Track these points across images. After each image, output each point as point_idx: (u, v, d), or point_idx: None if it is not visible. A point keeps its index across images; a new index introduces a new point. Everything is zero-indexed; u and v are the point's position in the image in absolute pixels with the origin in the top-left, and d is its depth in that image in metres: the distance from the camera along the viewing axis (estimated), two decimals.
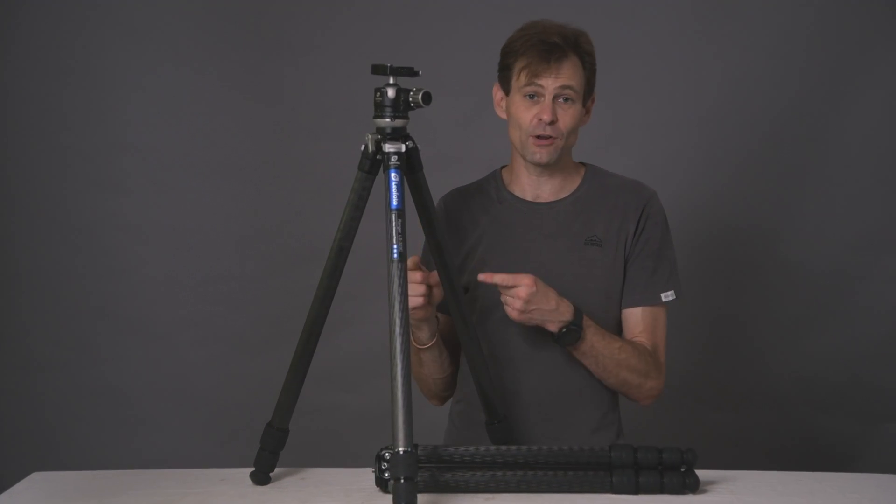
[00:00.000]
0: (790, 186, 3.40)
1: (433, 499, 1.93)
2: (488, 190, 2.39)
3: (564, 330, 2.17)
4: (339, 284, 2.00)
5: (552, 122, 2.22)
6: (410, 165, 1.96)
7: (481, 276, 2.14)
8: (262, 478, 2.05)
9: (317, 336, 2.01)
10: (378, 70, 1.91)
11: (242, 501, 1.96)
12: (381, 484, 1.96)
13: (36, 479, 2.12)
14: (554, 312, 2.16)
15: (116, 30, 3.46)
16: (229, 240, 3.53)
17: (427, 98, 1.91)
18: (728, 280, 3.45)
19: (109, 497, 1.99)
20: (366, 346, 3.41)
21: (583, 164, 2.40)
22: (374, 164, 1.95)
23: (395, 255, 1.86)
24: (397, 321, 1.84)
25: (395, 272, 1.86)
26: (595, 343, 2.21)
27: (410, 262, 2.11)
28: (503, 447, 1.98)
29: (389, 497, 1.86)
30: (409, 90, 1.91)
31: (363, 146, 1.95)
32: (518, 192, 2.35)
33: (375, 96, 1.92)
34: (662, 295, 2.30)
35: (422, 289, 2.13)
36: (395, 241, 1.87)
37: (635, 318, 2.30)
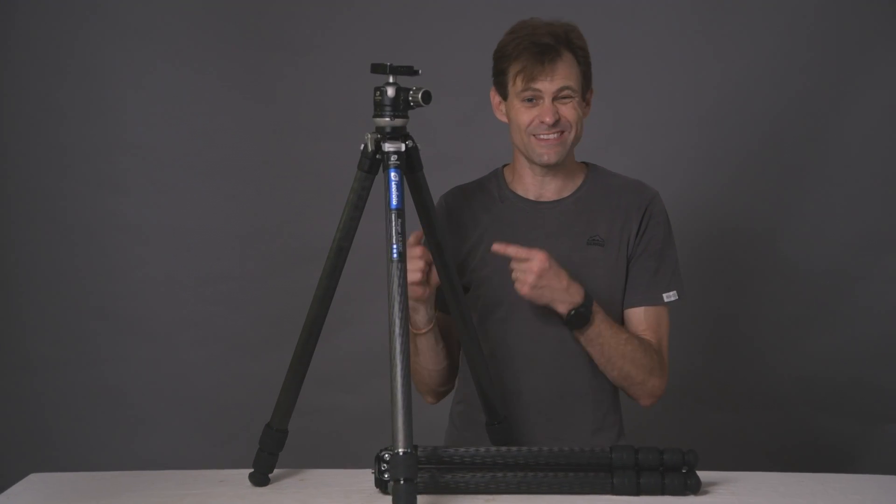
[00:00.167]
0: (790, 186, 3.39)
1: (433, 500, 1.92)
2: (490, 188, 2.38)
3: (573, 312, 2.16)
4: (339, 284, 2.00)
5: (555, 123, 2.21)
6: (410, 165, 1.95)
7: (495, 246, 2.14)
8: (261, 479, 2.04)
9: (316, 336, 2.01)
10: (378, 69, 1.91)
11: (241, 503, 1.95)
12: (381, 485, 1.95)
13: (34, 480, 2.11)
14: (564, 292, 2.15)
15: (115, 29, 3.46)
16: (229, 240, 3.53)
17: (427, 97, 1.90)
18: (728, 280, 3.45)
19: (108, 498, 1.99)
20: (365, 347, 3.41)
21: (585, 163, 2.39)
22: (373, 163, 1.95)
23: (395, 255, 1.86)
24: (397, 321, 1.83)
25: (395, 272, 1.85)
26: (603, 330, 2.20)
27: (412, 237, 2.10)
28: (503, 448, 1.98)
29: (389, 498, 1.86)
30: (409, 89, 1.91)
31: (363, 145, 1.95)
32: (521, 191, 2.34)
33: (375, 95, 1.92)
34: (665, 295, 2.29)
35: (420, 264, 2.12)
36: (394, 241, 1.86)
37: (638, 318, 2.29)
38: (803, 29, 3.34)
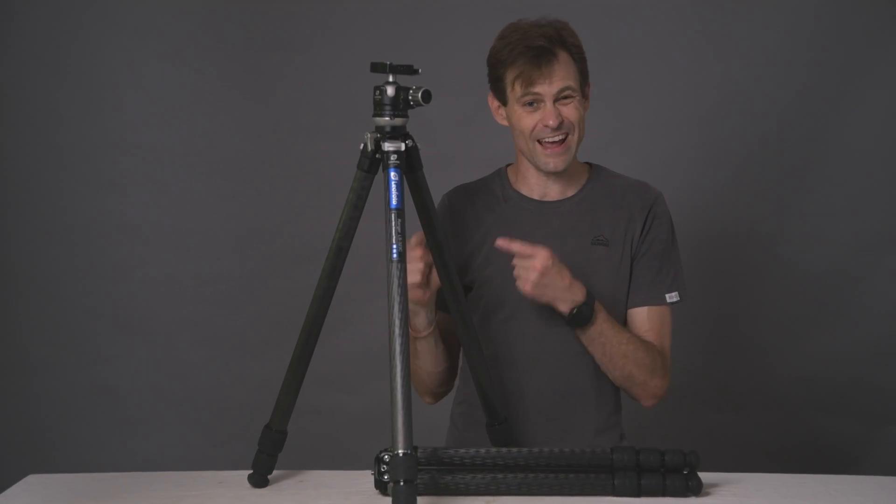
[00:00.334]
0: (791, 186, 3.39)
1: (433, 501, 1.92)
2: (493, 188, 2.37)
3: (575, 311, 2.15)
4: (339, 285, 1.99)
5: (559, 125, 2.20)
6: (410, 164, 1.94)
7: (499, 241, 2.13)
8: (260, 480, 2.04)
9: (315, 337, 2.00)
10: (377, 68, 1.90)
11: None
12: (381, 486, 1.94)
13: (32, 481, 2.11)
14: (566, 291, 2.14)
15: (114, 29, 3.45)
16: (228, 240, 3.52)
17: (427, 96, 1.89)
18: (729, 280, 3.44)
19: (106, 499, 1.98)
20: (365, 347, 3.40)
21: (588, 163, 2.39)
22: (373, 162, 1.94)
23: (395, 255, 1.85)
24: (397, 322, 1.82)
25: (395, 272, 1.84)
26: (605, 329, 2.20)
27: (414, 238, 2.09)
28: (504, 449, 1.97)
29: (389, 500, 1.85)
30: (409, 88, 1.90)
31: (362, 145, 1.94)
32: (525, 191, 2.34)
33: (375, 94, 1.91)
34: (667, 295, 2.29)
35: (420, 265, 2.11)
36: (394, 241, 1.85)
37: (641, 318, 2.29)
38: (804, 29, 3.33)
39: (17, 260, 3.52)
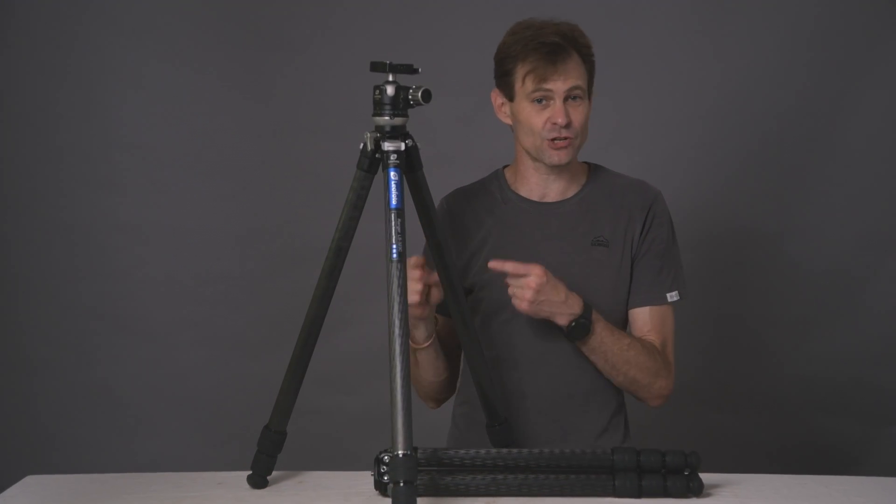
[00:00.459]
0: (792, 186, 3.38)
1: (433, 502, 1.91)
2: (492, 190, 2.36)
3: (574, 324, 2.15)
4: (338, 285, 1.99)
5: (567, 125, 2.20)
6: (410, 164, 1.94)
7: (492, 263, 2.13)
8: (259, 481, 2.03)
9: (315, 337, 2.00)
10: (377, 67, 1.89)
11: None
12: (381, 487, 1.94)
13: (30, 482, 2.10)
14: (563, 305, 2.14)
15: (113, 28, 3.45)
16: (227, 240, 3.52)
17: (427, 96, 1.89)
18: (730, 280, 3.44)
19: (105, 500, 1.98)
20: (365, 348, 3.39)
21: (587, 163, 2.38)
22: (373, 162, 1.93)
23: (395, 255, 1.84)
24: (396, 322, 1.82)
25: (395, 272, 1.84)
26: (604, 338, 2.19)
27: (412, 260, 2.09)
28: (504, 450, 1.97)
29: (388, 501, 1.85)
30: (409, 88, 1.89)
31: (362, 144, 1.93)
32: (524, 193, 2.33)
33: (374, 94, 1.91)
34: (668, 295, 2.29)
35: (419, 286, 2.11)
36: (394, 241, 1.85)
37: (643, 318, 2.28)
38: (805, 28, 3.33)
39: (17, 260, 3.52)
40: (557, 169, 2.28)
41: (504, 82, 2.25)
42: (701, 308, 3.28)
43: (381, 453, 1.90)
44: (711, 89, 3.39)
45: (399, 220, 1.85)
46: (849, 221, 3.37)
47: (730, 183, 3.40)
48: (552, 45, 2.17)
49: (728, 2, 3.37)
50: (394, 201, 1.86)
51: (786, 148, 3.37)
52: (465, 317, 2.10)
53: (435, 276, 2.11)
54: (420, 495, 1.85)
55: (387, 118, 1.90)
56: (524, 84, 2.20)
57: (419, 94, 1.88)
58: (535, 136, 2.22)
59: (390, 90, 1.89)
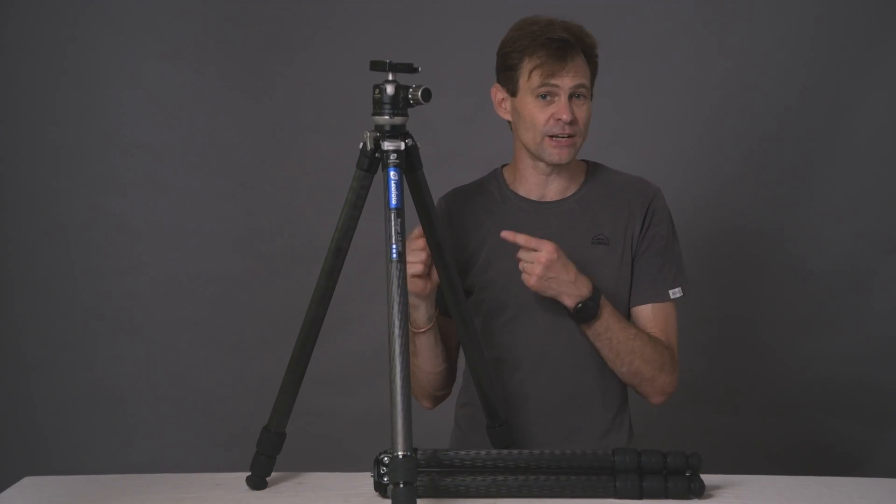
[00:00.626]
0: (795, 185, 3.38)
1: None
2: (490, 189, 2.36)
3: (580, 305, 2.14)
4: (338, 285, 1.98)
5: (571, 122, 2.19)
6: (410, 163, 1.93)
7: (504, 233, 2.12)
8: (258, 482, 2.02)
9: (314, 338, 1.99)
10: (377, 66, 1.89)
11: None
12: (380, 489, 1.93)
13: (28, 483, 2.09)
14: (572, 285, 2.13)
15: (111, 27, 3.44)
16: (226, 240, 3.51)
17: (427, 95, 1.88)
18: (731, 281, 3.43)
19: (103, 502, 1.97)
20: (364, 348, 3.38)
21: (585, 161, 2.37)
22: (372, 162, 1.93)
23: (395, 255, 1.83)
24: (396, 322, 1.81)
25: (394, 272, 1.83)
26: (611, 325, 2.18)
27: (415, 231, 2.08)
28: (504, 451, 1.96)
29: (388, 502, 1.84)
30: (409, 87, 1.89)
31: (361, 144, 1.93)
32: (523, 192, 2.32)
33: (374, 93, 1.90)
34: (671, 292, 2.28)
35: (422, 255, 2.09)
36: (394, 241, 1.84)
37: (646, 316, 2.28)
38: (808, 26, 3.32)
39: (15, 260, 3.51)
40: (556, 168, 2.27)
41: (507, 77, 2.24)
42: (702, 308, 3.26)
43: (380, 454, 1.89)
44: (712, 89, 3.38)
45: (399, 219, 1.85)
46: (850, 221, 3.36)
47: (730, 183, 3.39)
48: (561, 41, 2.17)
49: (729, 1, 3.36)
50: (393, 201, 1.86)
51: (786, 148, 3.36)
52: (466, 317, 2.09)
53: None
54: (420, 496, 1.85)
55: (386, 117, 1.89)
56: (530, 79, 2.19)
57: (419, 94, 1.87)
58: (537, 132, 2.21)
59: (390, 89, 1.88)
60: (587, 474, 1.92)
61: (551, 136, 2.20)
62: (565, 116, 2.18)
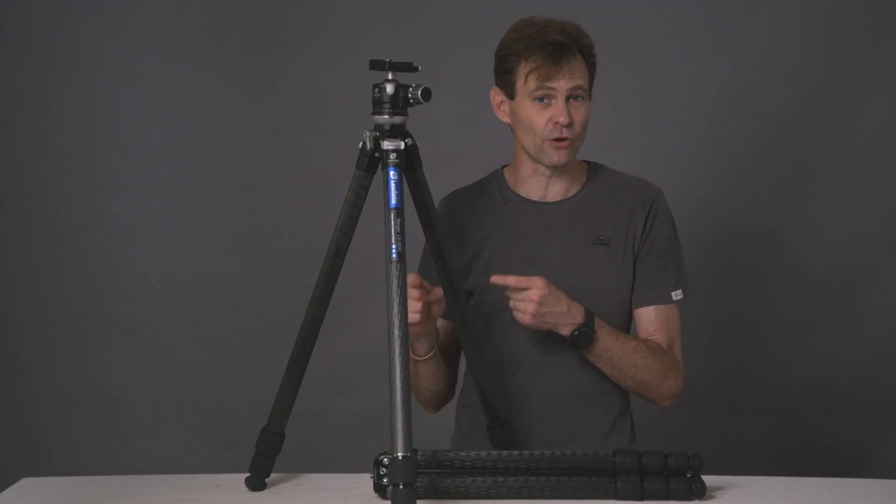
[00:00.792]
0: (795, 186, 3.37)
1: None
2: (491, 191, 2.35)
3: (577, 333, 2.14)
4: (337, 285, 1.97)
5: (569, 124, 2.18)
6: (410, 163, 1.92)
7: (494, 278, 2.11)
8: (257, 483, 2.02)
9: (314, 338, 1.98)
10: (376, 65, 1.88)
11: None
12: (380, 490, 1.93)
13: (26, 485, 2.08)
14: (566, 315, 2.13)
15: (109, 25, 3.44)
16: (224, 240, 3.50)
17: (427, 94, 1.87)
18: (732, 282, 3.42)
19: (101, 503, 1.96)
20: (364, 349, 3.37)
21: (586, 162, 2.36)
22: (372, 161, 1.92)
23: (394, 255, 1.82)
24: (396, 323, 1.80)
25: (394, 272, 1.82)
26: (609, 345, 2.18)
27: (410, 279, 2.07)
28: (505, 452, 1.96)
29: (388, 503, 1.82)
30: (409, 86, 1.88)
31: (361, 143, 1.92)
32: (524, 193, 2.32)
33: (374, 92, 1.89)
34: (673, 293, 2.28)
35: (418, 305, 2.09)
36: (393, 241, 1.83)
37: (648, 318, 2.27)
38: (810, 25, 3.32)
39: (12, 260, 3.50)
40: (557, 169, 2.27)
41: (505, 80, 2.24)
42: (703, 309, 3.25)
43: (380, 455, 1.89)
44: (713, 89, 3.37)
45: (399, 219, 1.84)
46: (851, 221, 3.35)
47: (731, 183, 3.38)
48: (557, 43, 2.16)
49: (729, 1, 3.35)
50: (393, 201, 1.85)
51: (788, 148, 3.36)
52: (466, 318, 2.08)
53: (436, 292, 2.09)
54: (420, 498, 1.84)
55: (386, 117, 1.88)
56: (527, 82, 2.19)
57: (419, 93, 1.87)
58: (536, 135, 2.20)
59: (390, 88, 1.87)
60: (588, 475, 1.92)
61: (551, 141, 2.20)
62: (562, 119, 2.17)
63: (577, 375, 2.25)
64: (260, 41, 3.44)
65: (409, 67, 1.88)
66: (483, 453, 1.94)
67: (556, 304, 2.11)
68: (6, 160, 3.48)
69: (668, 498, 1.90)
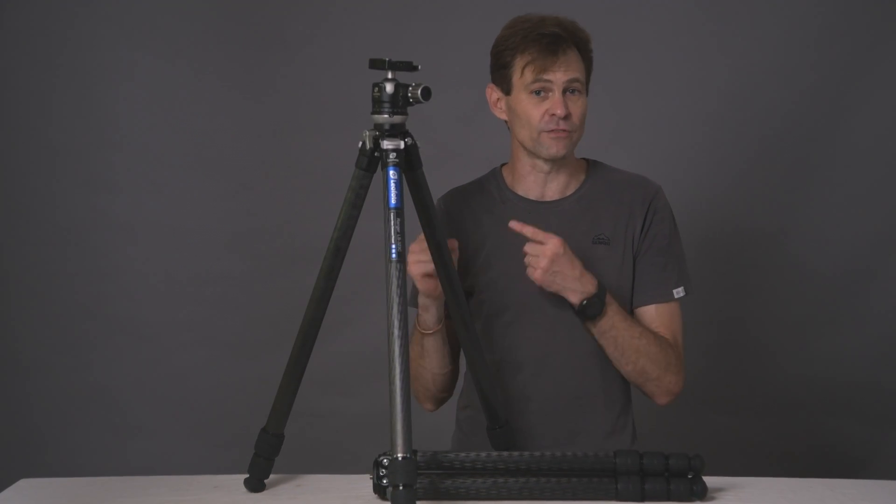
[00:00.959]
0: (796, 186, 3.36)
1: None
2: (490, 189, 2.34)
3: (585, 302, 2.13)
4: (337, 285, 1.97)
5: (566, 117, 2.17)
6: (409, 162, 1.92)
7: (513, 223, 2.12)
8: (256, 485, 2.01)
9: (313, 338, 1.98)
10: (376, 64, 1.88)
11: None
12: (380, 491, 1.92)
13: (23, 486, 2.08)
14: (577, 281, 2.12)
15: (108, 24, 3.43)
16: (223, 240, 3.50)
17: (426, 93, 1.87)
18: (733, 282, 3.42)
19: None
20: (364, 349, 3.37)
21: (585, 160, 2.36)
22: (371, 161, 1.91)
23: (394, 255, 1.82)
24: (396, 323, 1.79)
25: (394, 272, 1.81)
26: (616, 322, 2.17)
27: (418, 239, 2.07)
28: (505, 453, 1.95)
29: None
30: (408, 85, 1.88)
31: (361, 143, 1.92)
32: (522, 192, 2.31)
33: (373, 92, 1.89)
34: (674, 291, 2.27)
35: (428, 254, 2.06)
36: (393, 241, 1.82)
37: (650, 316, 2.26)
38: (809, 26, 3.31)
39: (10, 260, 3.50)
40: (555, 166, 2.26)
41: (501, 75, 2.23)
42: (703, 309, 3.26)
43: (380, 456, 1.88)
44: (714, 88, 3.37)
45: (398, 219, 1.83)
46: (851, 221, 3.35)
47: (732, 183, 3.38)
48: (552, 35, 2.16)
49: (730, 1, 3.35)
50: (393, 200, 1.84)
51: (788, 148, 3.35)
52: (466, 318, 2.08)
53: (451, 242, 2.08)
54: (420, 499, 1.84)
55: (386, 116, 1.88)
56: (523, 75, 2.18)
57: (419, 92, 1.86)
58: (532, 128, 2.20)
59: (389, 88, 1.87)
60: (588, 476, 1.91)
61: (547, 132, 2.19)
62: (559, 111, 2.17)
63: (577, 376, 2.25)
64: (259, 41, 3.44)
65: (409, 67, 1.87)
66: (483, 454, 1.93)
67: (570, 267, 2.11)
68: (5, 160, 3.48)
69: (669, 499, 1.90)
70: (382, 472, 1.87)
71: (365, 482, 1.96)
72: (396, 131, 1.89)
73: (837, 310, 3.37)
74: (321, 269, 1.96)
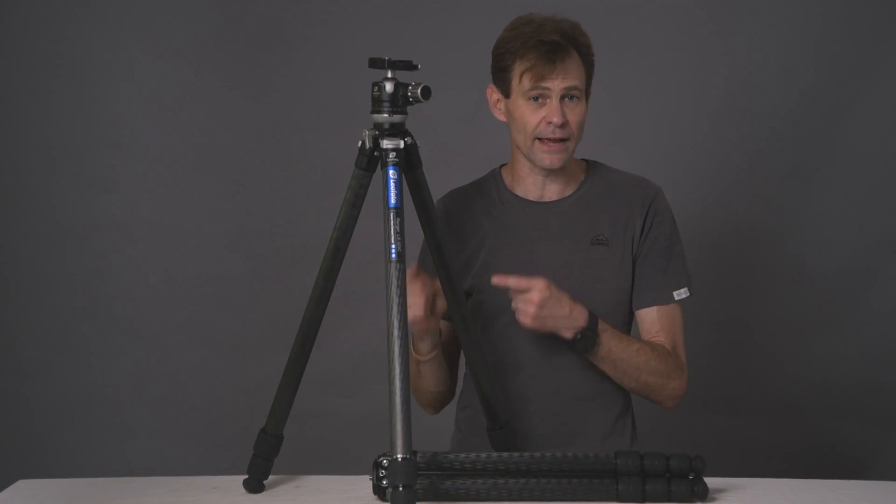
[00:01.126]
0: (797, 186, 3.36)
1: None
2: (489, 190, 2.34)
3: (579, 336, 2.12)
4: (336, 285, 1.96)
5: (563, 125, 2.16)
6: (409, 162, 1.91)
7: (495, 279, 2.10)
8: (255, 485, 2.01)
9: (312, 339, 1.97)
10: (376, 63, 1.87)
11: None
12: (379, 492, 1.91)
13: (22, 487, 2.07)
14: (567, 318, 2.11)
15: (107, 23, 3.43)
16: (223, 240, 3.50)
17: (426, 93, 1.86)
18: (734, 282, 3.41)
19: None
20: (363, 350, 3.36)
21: (585, 160, 2.35)
22: (371, 160, 1.91)
23: (394, 255, 1.81)
24: (395, 323, 1.79)
25: (394, 272, 1.81)
26: (612, 347, 2.16)
27: (410, 271, 2.05)
28: (505, 454, 1.95)
29: None
30: (408, 84, 1.87)
31: (360, 142, 1.91)
32: (521, 193, 2.30)
33: (373, 91, 1.88)
34: (675, 293, 2.26)
35: (421, 299, 2.08)
36: (393, 241, 1.82)
37: (651, 319, 2.26)
38: (809, 26, 3.30)
39: (9, 260, 3.50)
40: (554, 170, 2.25)
41: (501, 78, 2.23)
42: (704, 310, 3.24)
43: (379, 457, 1.88)
44: (714, 89, 3.36)
45: (398, 219, 1.83)
46: (854, 222, 3.34)
47: (732, 184, 3.37)
48: (552, 43, 2.14)
49: (730, 1, 3.34)
50: (393, 200, 1.84)
51: (790, 148, 3.35)
52: (466, 319, 2.07)
53: (438, 284, 2.07)
54: (420, 500, 1.83)
55: (386, 115, 1.88)
56: (521, 81, 2.18)
57: (419, 91, 1.86)
58: (528, 135, 2.19)
59: (389, 87, 1.86)
60: (589, 477, 1.91)
61: (541, 140, 2.18)
62: (556, 119, 2.16)
63: (577, 377, 2.24)
64: (259, 41, 3.44)
65: (409, 66, 1.87)
66: (483, 455, 1.93)
67: (558, 306, 2.09)
68: (5, 160, 3.47)
69: (669, 500, 1.89)
70: (382, 472, 1.87)
71: (364, 483, 1.95)
72: (396, 131, 1.88)
73: (838, 310, 3.37)
74: (320, 269, 1.95)
